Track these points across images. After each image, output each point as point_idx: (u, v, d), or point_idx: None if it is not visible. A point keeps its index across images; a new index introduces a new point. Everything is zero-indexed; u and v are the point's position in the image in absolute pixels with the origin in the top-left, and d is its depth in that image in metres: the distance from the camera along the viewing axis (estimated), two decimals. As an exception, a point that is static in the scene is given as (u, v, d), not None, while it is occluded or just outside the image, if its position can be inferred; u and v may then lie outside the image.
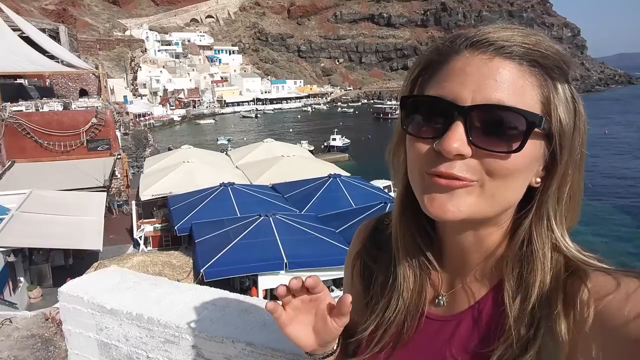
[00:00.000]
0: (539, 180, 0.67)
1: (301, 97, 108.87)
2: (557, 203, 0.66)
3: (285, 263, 12.84)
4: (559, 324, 0.61)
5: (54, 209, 16.45)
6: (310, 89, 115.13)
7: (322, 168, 22.52)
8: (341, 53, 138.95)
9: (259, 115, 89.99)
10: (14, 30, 31.43)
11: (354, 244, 0.92)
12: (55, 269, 15.89)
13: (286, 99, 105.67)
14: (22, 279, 14.99)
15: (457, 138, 0.61)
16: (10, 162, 24.00)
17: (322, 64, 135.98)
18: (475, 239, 0.71)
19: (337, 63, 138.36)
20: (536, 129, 0.62)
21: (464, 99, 0.62)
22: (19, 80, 33.53)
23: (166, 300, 1.63)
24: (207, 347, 1.41)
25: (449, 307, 0.76)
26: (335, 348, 0.85)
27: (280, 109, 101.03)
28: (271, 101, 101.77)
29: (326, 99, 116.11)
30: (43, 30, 37.91)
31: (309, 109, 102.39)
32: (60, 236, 14.64)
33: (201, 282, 10.82)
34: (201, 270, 12.24)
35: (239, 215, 15.92)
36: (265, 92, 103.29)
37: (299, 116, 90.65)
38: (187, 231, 15.96)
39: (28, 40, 31.53)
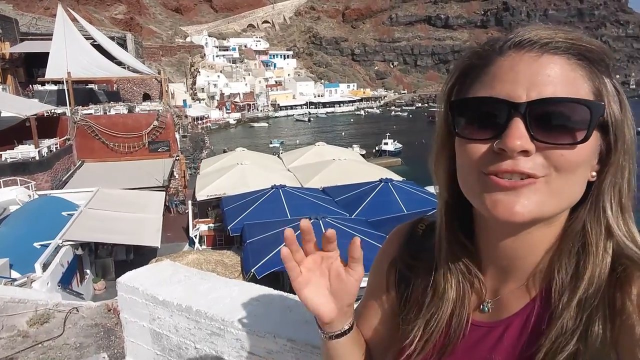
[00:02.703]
0: (594, 173, 0.66)
1: (354, 101, 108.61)
2: (615, 195, 0.65)
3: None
4: (606, 320, 0.60)
5: (117, 206, 17.46)
6: (364, 92, 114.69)
7: (374, 172, 22.38)
8: (396, 56, 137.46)
9: (311, 119, 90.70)
10: (86, 38, 33.79)
11: (386, 251, 0.89)
12: (117, 263, 16.82)
13: (339, 102, 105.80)
14: (88, 271, 16.00)
15: (520, 135, 0.60)
16: (80, 161, 25.76)
17: (376, 67, 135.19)
18: (528, 241, 0.69)
19: (392, 66, 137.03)
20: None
21: (518, 96, 0.62)
22: (89, 86, 35.95)
23: (214, 294, 1.70)
24: (250, 341, 1.46)
25: (495, 313, 0.74)
26: (350, 325, 0.83)
27: (333, 112, 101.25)
28: (324, 105, 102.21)
29: (379, 102, 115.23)
30: (112, 39, 40.49)
31: (362, 112, 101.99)
32: (123, 232, 15.50)
33: (251, 282, 11.05)
34: (252, 270, 12.51)
35: (289, 217, 16.12)
36: (318, 96, 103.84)
37: (352, 120, 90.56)
38: (240, 231, 16.35)
39: (99, 47, 33.78)
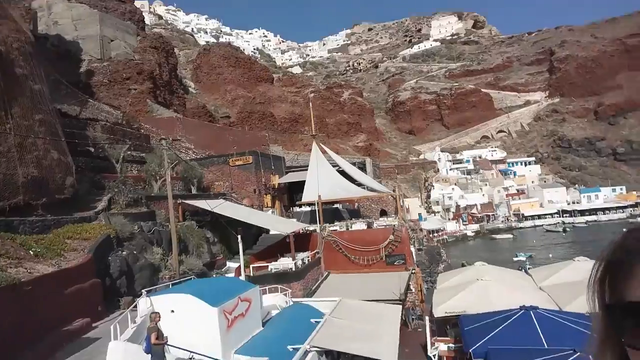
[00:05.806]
0: None
1: (624, 207, 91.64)
2: None
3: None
4: None
5: (357, 317, 17.80)
6: (637, 196, 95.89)
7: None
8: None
9: (567, 229, 79.71)
10: (333, 165, 39.08)
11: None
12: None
13: (603, 209, 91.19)
14: (328, 381, 16.15)
15: None
16: (327, 272, 28.03)
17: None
18: None
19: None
20: None
21: None
22: (335, 205, 40.60)
23: None
24: None
25: None
26: None
27: (596, 221, 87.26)
28: (582, 213, 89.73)
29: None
30: (354, 164, 45.75)
31: (639, 219, 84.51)
32: (362, 343, 15.46)
33: None
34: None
35: (546, 346, 13.30)
36: (573, 203, 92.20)
37: (624, 229, 75.27)
38: (484, 356, 14.26)
39: (342, 172, 38.49)
